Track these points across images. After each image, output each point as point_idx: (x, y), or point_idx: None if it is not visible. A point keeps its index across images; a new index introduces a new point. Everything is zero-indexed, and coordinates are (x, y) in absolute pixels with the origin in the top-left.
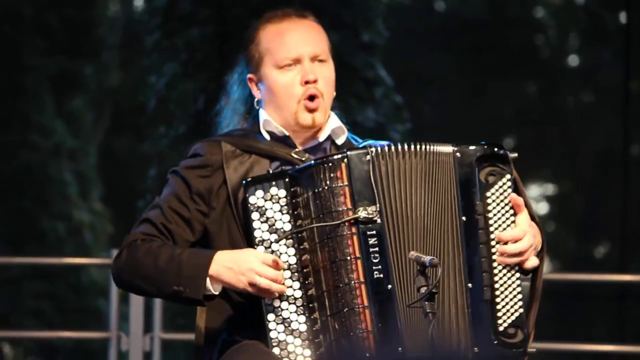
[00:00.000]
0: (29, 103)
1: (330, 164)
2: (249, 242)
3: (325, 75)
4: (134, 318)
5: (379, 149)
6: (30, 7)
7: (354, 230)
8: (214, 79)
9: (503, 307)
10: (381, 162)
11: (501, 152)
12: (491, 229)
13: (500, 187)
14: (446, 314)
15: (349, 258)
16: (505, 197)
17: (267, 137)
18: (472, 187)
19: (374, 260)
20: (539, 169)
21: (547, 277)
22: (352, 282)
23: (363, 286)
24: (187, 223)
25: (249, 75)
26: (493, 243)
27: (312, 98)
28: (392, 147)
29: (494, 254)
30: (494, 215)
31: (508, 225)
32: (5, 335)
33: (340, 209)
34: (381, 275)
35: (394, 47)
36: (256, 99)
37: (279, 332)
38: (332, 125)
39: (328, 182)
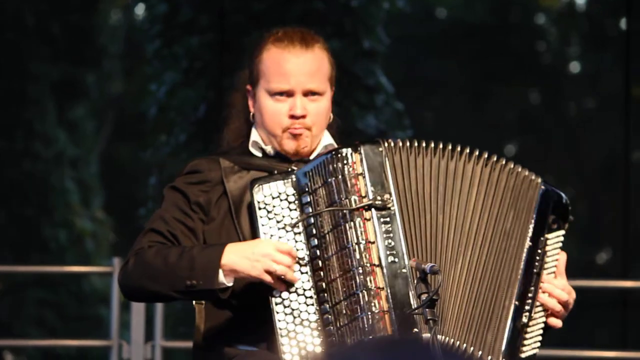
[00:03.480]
0: (31, 111)
1: (343, 154)
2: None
3: (317, 110)
4: (135, 326)
5: (391, 142)
6: (32, 15)
7: (367, 216)
8: (215, 87)
9: (528, 338)
10: (394, 155)
11: (568, 206)
12: (545, 266)
13: (557, 236)
14: (493, 314)
15: (363, 242)
16: (556, 249)
17: (259, 154)
18: (545, 222)
19: (388, 245)
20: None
21: None
22: (367, 265)
23: (378, 269)
24: (191, 231)
25: (248, 87)
26: (543, 279)
27: (295, 130)
28: (406, 142)
29: (539, 289)
30: (548, 257)
31: (551, 274)
32: (7, 343)
33: (354, 197)
34: (396, 260)
35: (395, 54)
36: (251, 114)
37: (287, 323)
38: (324, 143)
39: (342, 171)
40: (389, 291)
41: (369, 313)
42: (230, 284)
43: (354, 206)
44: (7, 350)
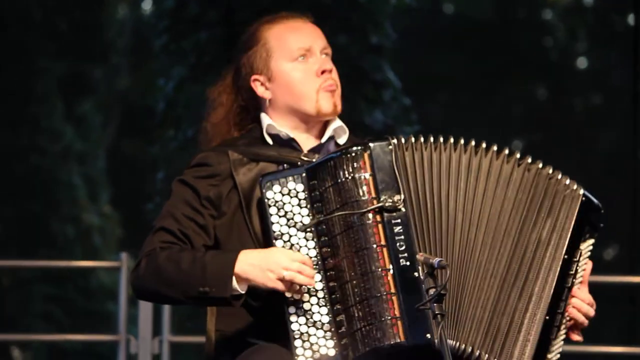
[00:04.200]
0: (39, 106)
1: (352, 154)
2: (267, 238)
3: (335, 70)
4: (143, 321)
5: (401, 140)
6: (39, 11)
7: (378, 218)
8: None
9: (552, 351)
10: (405, 153)
11: (601, 215)
12: (575, 280)
13: (589, 245)
14: (522, 326)
15: (374, 246)
16: (586, 259)
17: (270, 142)
18: (582, 233)
19: (400, 249)
20: None
21: None
22: (378, 270)
23: (389, 274)
24: (202, 229)
25: (254, 77)
26: (574, 293)
27: (330, 86)
28: (414, 139)
29: (569, 303)
30: (578, 268)
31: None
32: (15, 338)
33: (364, 198)
34: (408, 263)
35: (402, 49)
36: (264, 99)
37: (300, 325)
38: (334, 125)
39: (351, 172)
40: (401, 297)
41: (381, 319)
42: (243, 292)
43: (363, 209)
44: (14, 345)
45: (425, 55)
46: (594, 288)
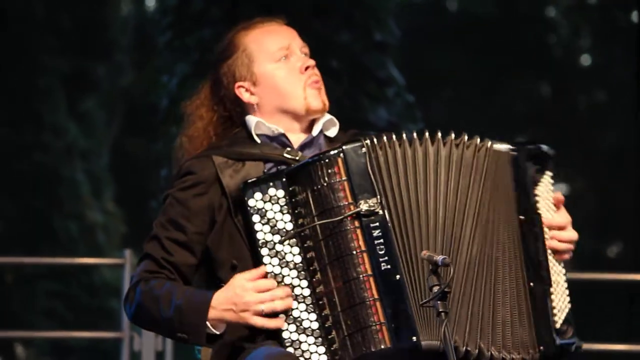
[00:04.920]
0: (42, 103)
1: (326, 160)
2: (252, 245)
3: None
4: None
5: (374, 139)
6: (43, 8)
7: (357, 224)
8: None
9: (557, 304)
10: (379, 153)
11: (546, 149)
12: (543, 226)
13: (546, 182)
14: (507, 313)
15: (355, 252)
16: (549, 194)
17: (258, 141)
18: (526, 184)
19: (380, 252)
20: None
21: None
22: (360, 275)
23: (372, 279)
24: (186, 249)
25: (239, 84)
26: (547, 237)
27: (316, 82)
28: (388, 137)
29: (548, 251)
30: (542, 212)
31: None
32: (18, 335)
33: (341, 204)
34: (389, 267)
35: (406, 47)
36: (251, 105)
37: (291, 332)
38: (324, 119)
39: (326, 179)
40: (384, 302)
41: (366, 325)
42: (220, 332)
43: (340, 215)
44: (17, 341)
45: (429, 52)
46: (597, 285)
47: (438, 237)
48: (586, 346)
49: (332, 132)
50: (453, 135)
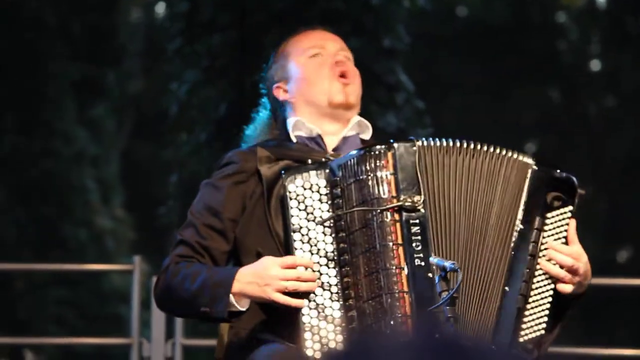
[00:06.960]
0: (52, 110)
1: (376, 152)
2: (285, 230)
3: (354, 69)
4: (156, 324)
5: (425, 142)
6: (53, 15)
7: (397, 217)
8: (236, 86)
9: (530, 320)
10: (427, 155)
11: (572, 182)
12: (542, 247)
13: (561, 213)
14: (476, 309)
15: (390, 244)
16: (563, 225)
17: (295, 141)
18: (538, 202)
19: (416, 249)
20: None
21: None
22: (393, 267)
23: (403, 272)
24: (221, 235)
25: (276, 85)
26: (541, 255)
27: (343, 75)
28: (439, 142)
29: (538, 269)
30: (549, 236)
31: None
32: (28, 341)
33: (385, 197)
34: (422, 264)
35: (416, 53)
36: (288, 103)
37: (311, 318)
38: (354, 119)
39: (373, 170)
40: (413, 295)
41: (392, 316)
42: (244, 309)
43: (383, 207)
44: (27, 348)
45: (438, 59)
46: (607, 290)
47: (461, 244)
48: (598, 351)
49: (367, 134)
50: (492, 148)
